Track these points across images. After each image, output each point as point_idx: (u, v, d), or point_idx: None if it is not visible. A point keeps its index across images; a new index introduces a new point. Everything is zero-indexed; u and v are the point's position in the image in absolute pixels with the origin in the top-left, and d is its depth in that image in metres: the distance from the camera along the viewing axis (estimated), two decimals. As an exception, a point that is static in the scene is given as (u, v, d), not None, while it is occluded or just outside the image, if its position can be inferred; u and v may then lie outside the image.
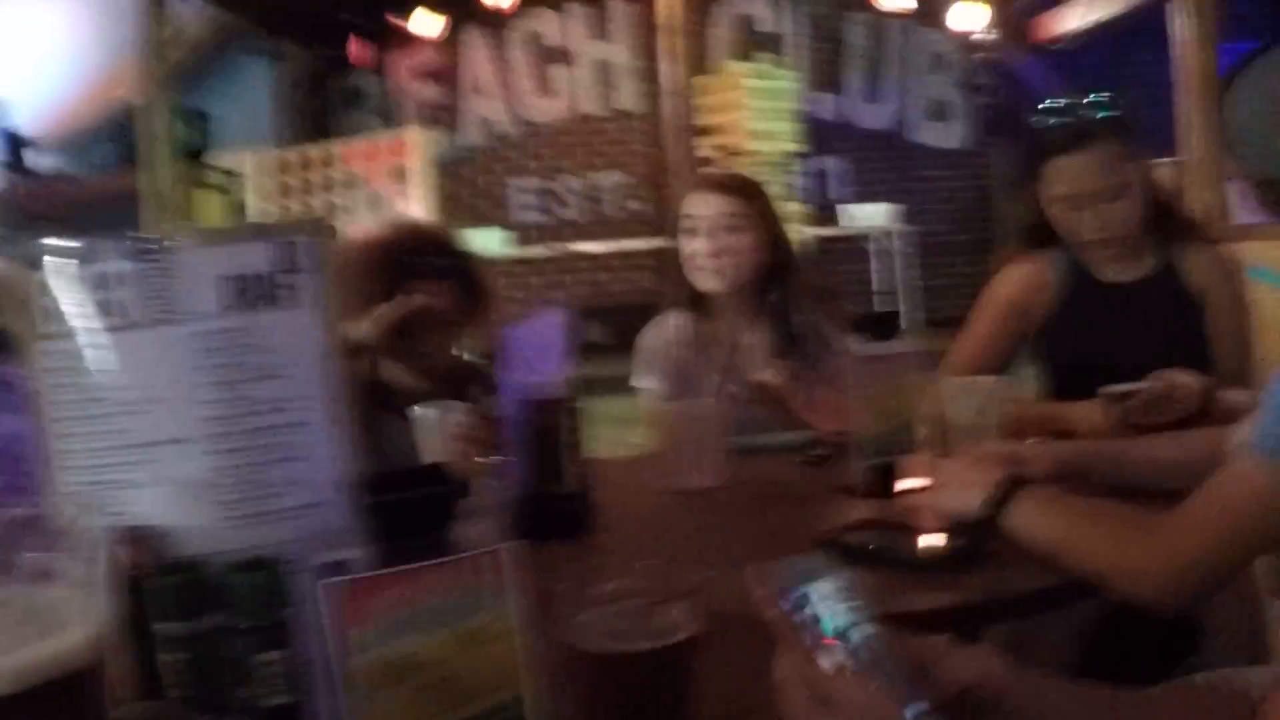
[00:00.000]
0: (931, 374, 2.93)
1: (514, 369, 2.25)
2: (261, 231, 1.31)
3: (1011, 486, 1.90)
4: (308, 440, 1.31)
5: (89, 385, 1.28)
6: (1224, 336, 3.00)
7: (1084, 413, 2.75)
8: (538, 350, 2.39)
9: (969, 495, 1.96)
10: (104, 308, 1.27)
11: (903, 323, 2.49)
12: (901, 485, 2.33)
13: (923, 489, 2.15)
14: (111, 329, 1.27)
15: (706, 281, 3.28)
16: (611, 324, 11.44)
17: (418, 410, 2.84)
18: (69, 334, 1.28)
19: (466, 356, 3.31)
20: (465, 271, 3.31)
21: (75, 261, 1.27)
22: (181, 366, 1.27)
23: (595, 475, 2.42)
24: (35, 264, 1.27)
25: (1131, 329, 3.01)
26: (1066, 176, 2.94)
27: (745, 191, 3.37)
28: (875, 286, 10.15)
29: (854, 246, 10.78)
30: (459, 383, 3.28)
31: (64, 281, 1.27)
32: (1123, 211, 2.93)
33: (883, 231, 9.96)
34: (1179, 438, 2.26)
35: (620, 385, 3.44)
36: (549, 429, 2.27)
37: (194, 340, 1.27)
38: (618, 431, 3.11)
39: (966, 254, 11.91)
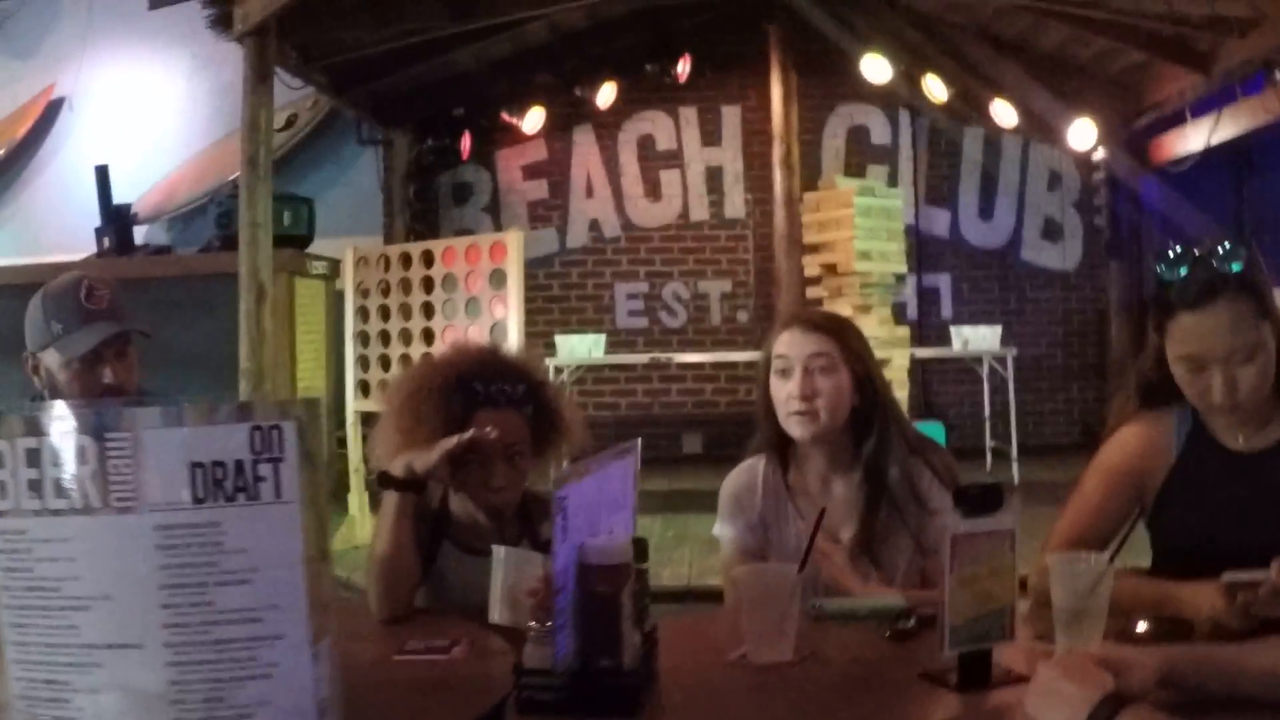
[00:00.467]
0: (1034, 544, 2.72)
1: (572, 526, 2.03)
2: (243, 413, 1.12)
3: (1113, 707, 1.68)
4: (283, 657, 1.12)
5: (39, 574, 1.10)
6: None
7: (1199, 595, 2.49)
8: (602, 503, 2.19)
9: (1066, 711, 1.78)
10: (57, 488, 1.08)
11: (1006, 482, 2.25)
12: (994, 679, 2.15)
13: (1016, 685, 1.97)
14: (63, 512, 1.08)
15: (800, 427, 3.05)
16: (712, 436, 11.35)
17: (498, 551, 2.67)
18: (21, 512, 1.10)
19: (540, 490, 3.15)
20: (538, 399, 3.15)
21: (25, 430, 1.09)
22: (141, 562, 1.09)
23: (658, 645, 2.22)
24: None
25: (1256, 502, 2.74)
26: (1193, 336, 2.69)
27: (838, 330, 3.16)
28: (987, 411, 9.87)
29: (964, 369, 10.52)
30: (531, 520, 3.11)
31: (16, 451, 1.09)
32: (1253, 375, 2.68)
33: (993, 354, 9.71)
34: None
35: (716, 501, 3.24)
36: (608, 598, 2.05)
37: (157, 534, 1.08)
38: (708, 556, 2.94)
39: (1077, 379, 11.68)
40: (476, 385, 3.05)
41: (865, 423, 3.10)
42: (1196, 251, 2.69)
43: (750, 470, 3.21)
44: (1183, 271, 2.69)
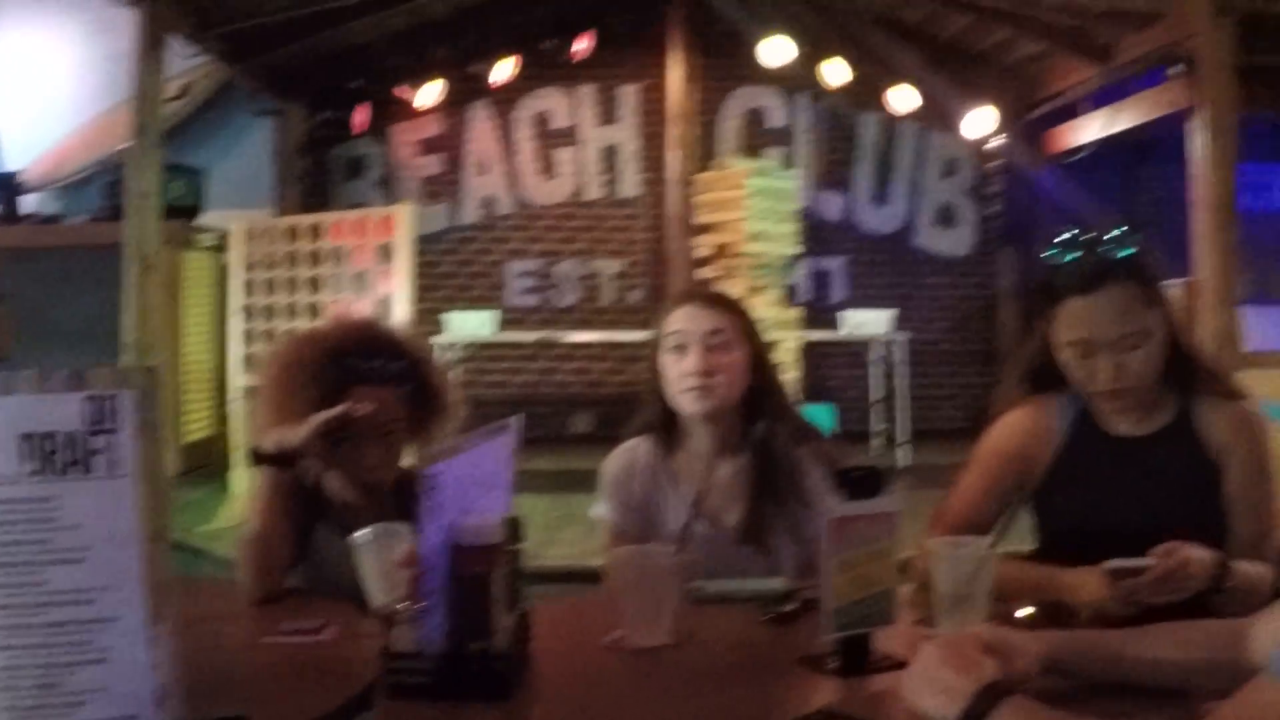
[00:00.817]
0: (921, 527, 2.71)
1: (443, 505, 1.98)
2: (77, 382, 1.05)
3: (993, 698, 1.66)
4: (117, 641, 1.05)
5: None
6: (1242, 501, 2.73)
7: (1082, 581, 2.49)
8: (475, 483, 2.13)
9: (944, 700, 1.74)
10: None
11: (892, 465, 2.22)
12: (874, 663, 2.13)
13: (897, 670, 1.96)
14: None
15: (695, 403, 3.00)
16: (601, 416, 11.32)
17: (358, 535, 2.60)
18: None
19: (416, 469, 3.08)
20: (417, 377, 3.09)
21: None
22: (-35, 539, 1.02)
23: (531, 627, 2.17)
24: None
25: (1140, 488, 2.74)
26: (1080, 321, 2.68)
27: (733, 308, 3.12)
28: (872, 396, 9.92)
29: (854, 353, 10.57)
30: (409, 500, 3.04)
31: None
32: (1140, 362, 2.67)
33: (883, 339, 9.76)
34: (1183, 636, 2.01)
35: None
36: (479, 579, 2.00)
37: (-18, 509, 1.01)
38: (595, 537, 2.88)
39: (967, 364, 11.78)
40: (352, 361, 2.98)
41: (756, 404, 3.06)
42: (1087, 237, 2.69)
43: (632, 451, 3.15)
44: (1073, 256, 2.68)
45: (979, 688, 1.69)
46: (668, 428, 3.11)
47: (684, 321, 3.03)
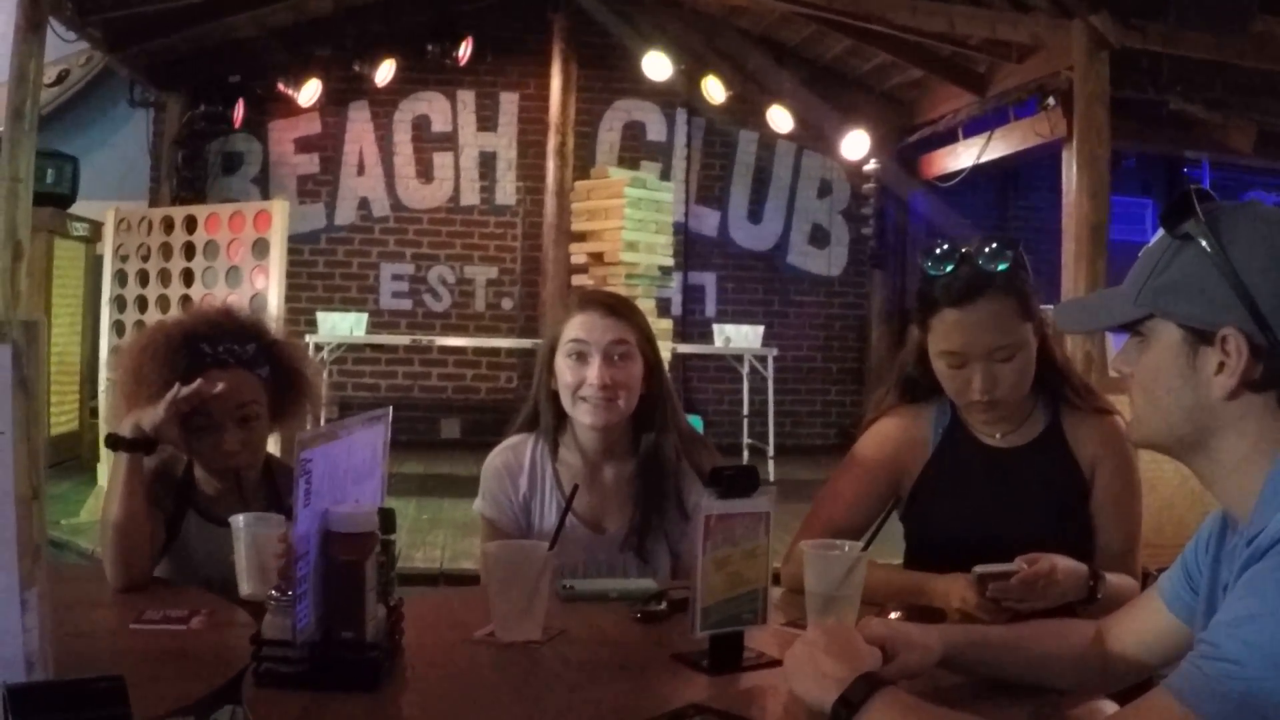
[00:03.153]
0: (786, 539, 2.72)
1: (317, 491, 1.95)
2: (-51, 333, 1.02)
3: (869, 687, 1.67)
4: (-13, 604, 1.02)
5: None
6: (1110, 514, 2.79)
7: (950, 586, 2.53)
8: (349, 470, 2.11)
9: (821, 688, 1.75)
10: None
11: (769, 475, 2.23)
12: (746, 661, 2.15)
13: (768, 668, 1.99)
14: None
15: (594, 414, 2.96)
16: (471, 422, 11.28)
17: (236, 521, 2.55)
18: None
19: (287, 460, 3.05)
20: (275, 360, 3.04)
21: None
22: None
23: (403, 619, 2.15)
24: None
25: (1010, 498, 2.79)
26: (955, 331, 2.71)
27: (633, 317, 3.08)
28: (746, 409, 9.97)
29: (725, 367, 10.63)
30: (278, 490, 3.00)
31: None
32: (1013, 373, 2.71)
33: (755, 353, 9.82)
34: (1060, 631, 2.09)
35: (473, 486, 3.15)
36: (351, 567, 1.97)
37: None
38: (463, 540, 2.86)
39: (835, 383, 11.93)
40: (204, 346, 2.93)
41: (646, 412, 3.06)
42: (963, 250, 2.71)
43: (516, 449, 3.12)
44: (949, 268, 2.71)
45: (856, 676, 1.70)
46: (556, 429, 3.09)
47: (586, 329, 2.99)
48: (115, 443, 2.79)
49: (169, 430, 2.81)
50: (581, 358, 2.97)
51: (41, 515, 1.07)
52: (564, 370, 2.99)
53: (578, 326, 3.00)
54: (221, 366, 2.91)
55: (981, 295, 2.68)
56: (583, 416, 2.98)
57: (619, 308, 3.07)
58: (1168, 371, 1.69)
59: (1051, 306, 2.35)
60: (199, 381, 2.80)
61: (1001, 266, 2.67)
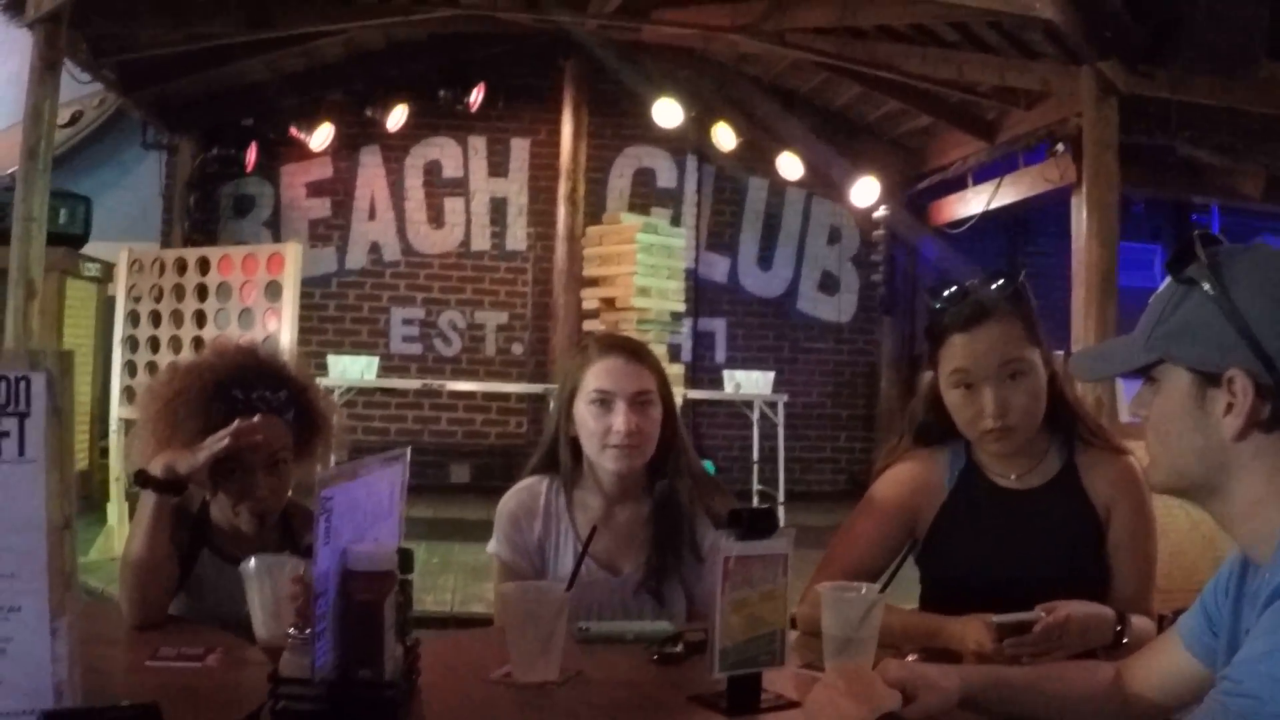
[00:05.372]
0: (798, 585, 2.71)
1: (337, 529, 1.95)
2: (-13, 360, 1.02)
3: None
4: (18, 632, 1.02)
5: None
6: (1125, 555, 2.78)
7: (966, 629, 2.52)
8: (368, 509, 2.11)
9: None
10: None
11: (780, 520, 2.22)
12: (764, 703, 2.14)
13: (786, 710, 1.99)
14: None
15: (620, 461, 2.97)
16: (480, 467, 11.26)
17: (248, 564, 2.54)
18: None
19: (302, 502, 3.06)
20: (301, 405, 3.05)
21: None
22: None
23: (419, 659, 2.14)
24: None
25: (1025, 539, 2.78)
26: (963, 353, 2.73)
27: (654, 365, 3.09)
28: (756, 455, 9.95)
29: (735, 413, 10.61)
30: (293, 530, 3.00)
31: None
32: (1025, 397, 2.72)
33: (766, 399, 9.81)
34: (1082, 674, 2.11)
35: (483, 531, 3.14)
36: (370, 606, 1.97)
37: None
38: (473, 584, 2.87)
39: (845, 429, 11.91)
40: (237, 393, 2.94)
41: (662, 454, 3.06)
42: (969, 282, 2.75)
43: (531, 491, 3.12)
44: (954, 299, 2.75)
45: (877, 718, 1.70)
46: (574, 471, 3.09)
47: (610, 378, 2.99)
48: (146, 481, 2.79)
49: (201, 475, 2.82)
50: (605, 405, 2.97)
51: (73, 544, 1.07)
52: (587, 418, 3.00)
53: (602, 374, 3.00)
54: (253, 414, 2.91)
55: (988, 318, 2.72)
56: (609, 463, 2.98)
57: (641, 353, 3.08)
58: (1178, 415, 1.70)
59: (1060, 353, 2.37)
60: (236, 425, 2.81)
61: (1005, 292, 2.72)
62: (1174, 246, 1.75)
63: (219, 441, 2.78)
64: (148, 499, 2.78)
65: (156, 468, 2.80)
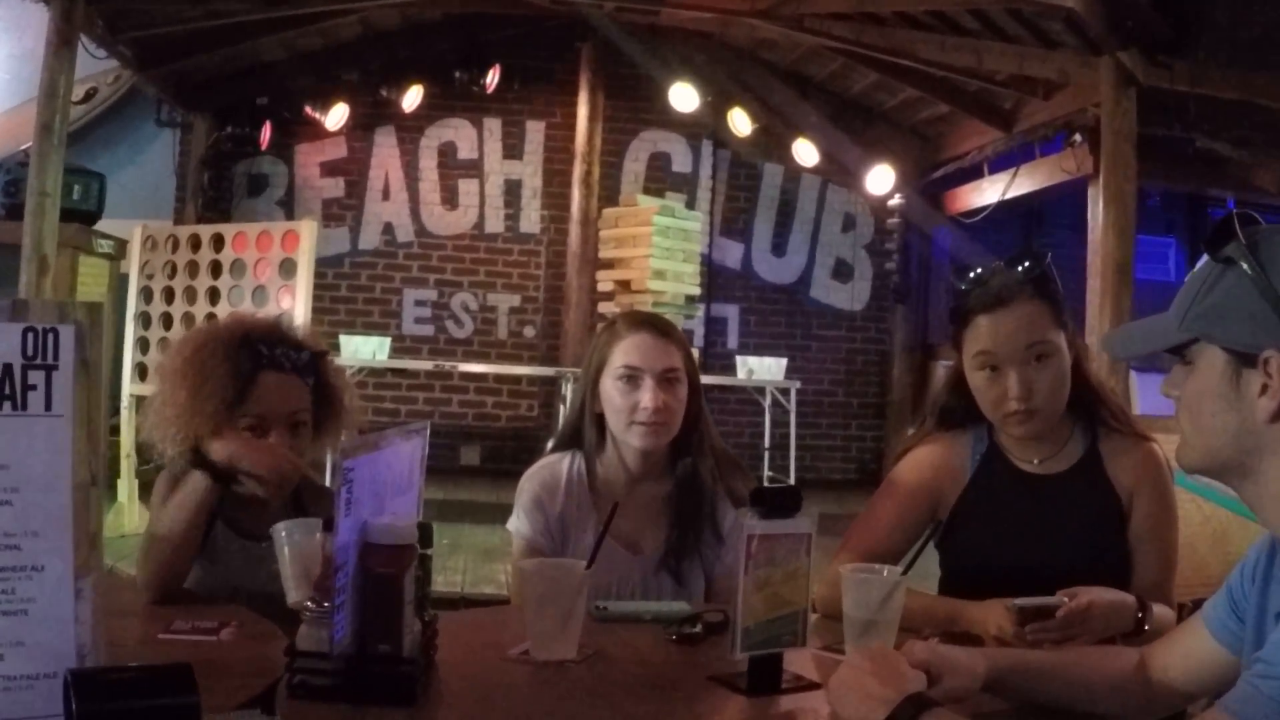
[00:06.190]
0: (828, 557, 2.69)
1: (358, 500, 1.93)
2: (16, 312, 0.99)
3: (915, 709, 1.65)
4: (41, 592, 0.99)
5: None
6: (1148, 542, 2.76)
7: (987, 613, 2.50)
8: (388, 482, 2.09)
9: (867, 707, 1.74)
10: None
11: (803, 500, 2.19)
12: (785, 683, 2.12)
13: (807, 691, 1.98)
14: None
15: (647, 438, 2.97)
16: (490, 450, 11.24)
17: (279, 530, 2.52)
18: None
19: (314, 479, 3.06)
20: (319, 373, 3.04)
21: None
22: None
23: (438, 635, 2.12)
24: None
25: (1047, 524, 2.76)
26: (988, 334, 2.71)
27: (681, 342, 3.09)
28: (768, 443, 9.92)
29: (747, 399, 10.58)
30: (303, 507, 2.97)
31: None
32: (1049, 379, 2.70)
33: (778, 386, 9.78)
34: (1106, 660, 2.09)
35: (493, 513, 3.13)
36: (390, 579, 1.95)
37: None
38: (483, 565, 2.86)
39: (856, 417, 11.88)
40: (262, 347, 2.94)
41: (685, 433, 3.05)
42: (994, 264, 2.74)
43: (554, 468, 3.11)
44: (980, 280, 2.73)
45: (902, 698, 1.68)
46: (597, 448, 3.08)
47: (638, 354, 2.99)
48: (203, 464, 2.78)
49: (232, 466, 2.81)
50: (633, 381, 2.97)
51: (99, 503, 1.04)
52: (614, 394, 2.99)
53: (630, 350, 3.00)
54: (276, 369, 2.91)
55: (1014, 299, 2.71)
56: (635, 440, 2.98)
57: (669, 331, 3.08)
58: (1212, 395, 1.67)
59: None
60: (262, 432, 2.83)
61: (1032, 274, 2.70)
62: (1189, 240, 1.73)
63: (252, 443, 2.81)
64: (197, 480, 2.76)
65: (220, 453, 2.78)
